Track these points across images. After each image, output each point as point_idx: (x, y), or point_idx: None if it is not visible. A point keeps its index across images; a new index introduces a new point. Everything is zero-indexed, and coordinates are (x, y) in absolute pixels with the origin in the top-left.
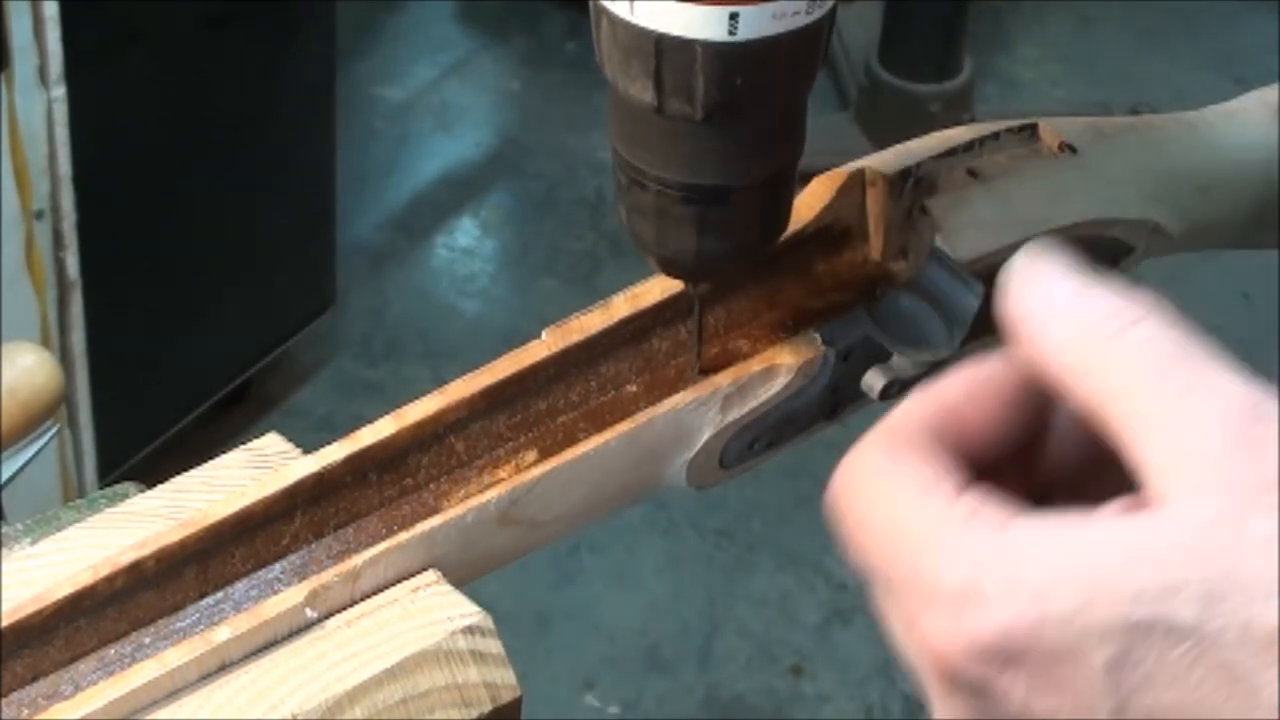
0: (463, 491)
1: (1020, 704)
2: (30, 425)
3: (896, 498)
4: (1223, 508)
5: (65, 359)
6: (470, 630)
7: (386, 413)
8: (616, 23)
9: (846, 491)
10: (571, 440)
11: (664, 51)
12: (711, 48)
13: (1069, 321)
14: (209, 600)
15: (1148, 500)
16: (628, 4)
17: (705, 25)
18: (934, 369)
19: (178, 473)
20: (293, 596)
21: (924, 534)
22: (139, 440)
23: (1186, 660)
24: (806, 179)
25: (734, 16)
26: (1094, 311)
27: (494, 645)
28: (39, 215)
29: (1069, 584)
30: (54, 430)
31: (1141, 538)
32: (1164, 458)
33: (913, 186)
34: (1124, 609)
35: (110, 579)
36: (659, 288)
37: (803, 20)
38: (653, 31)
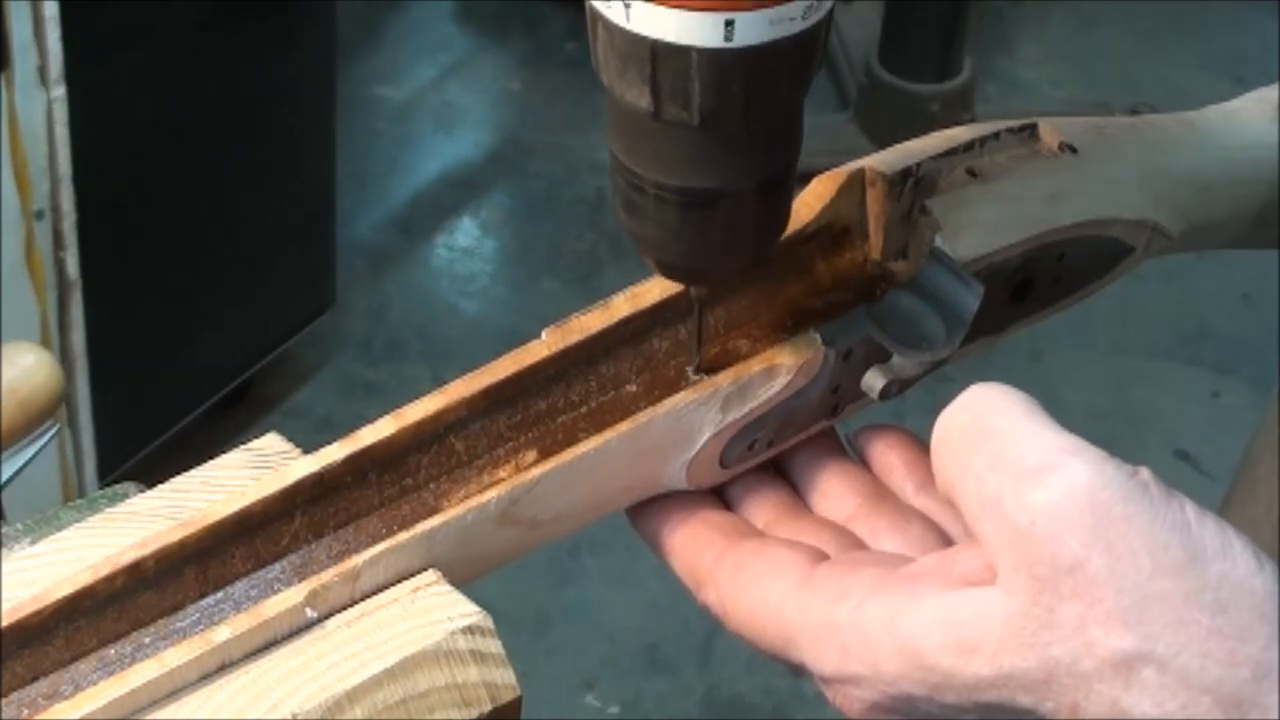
0: (463, 491)
1: None
2: (30, 425)
3: (759, 590)
4: (1030, 593)
5: (65, 359)
6: (470, 630)
7: (386, 413)
8: (612, 29)
9: (728, 583)
10: (571, 440)
11: (660, 58)
12: (707, 54)
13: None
14: (209, 600)
15: (979, 573)
16: (623, 10)
17: (701, 31)
18: (934, 369)
19: (178, 473)
20: (293, 596)
21: (791, 626)
22: (139, 440)
23: None
24: (806, 179)
25: (729, 23)
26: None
27: (494, 645)
28: (39, 215)
29: (917, 674)
30: (54, 430)
31: (965, 626)
32: (985, 539)
33: (913, 186)
34: (969, 696)
35: (110, 579)
36: (659, 288)
37: (799, 26)
38: (648, 38)
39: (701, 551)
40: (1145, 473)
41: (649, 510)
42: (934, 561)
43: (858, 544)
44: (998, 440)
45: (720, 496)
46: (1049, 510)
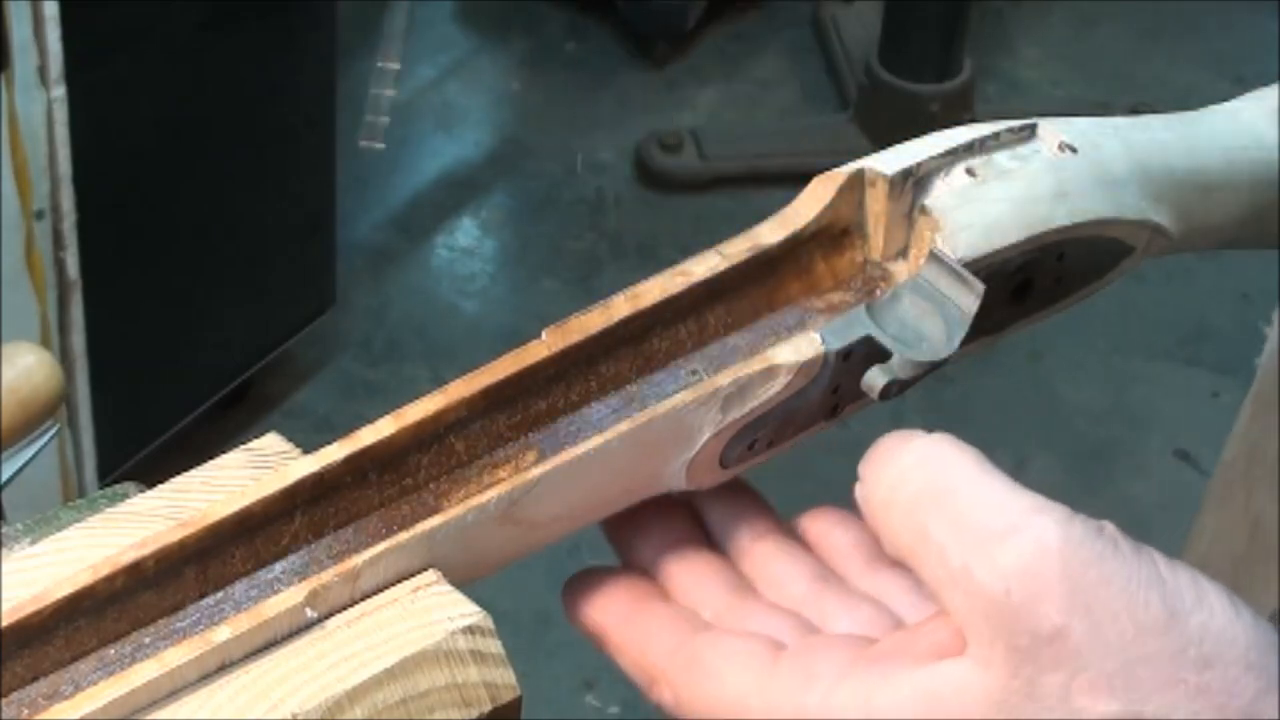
0: (463, 491)
1: None
2: (30, 425)
3: (717, 684)
4: (1010, 665)
5: (65, 359)
6: (470, 630)
7: (386, 413)
8: None
9: (683, 680)
10: (572, 440)
11: None
12: None
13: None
14: (209, 600)
15: (948, 643)
16: None
17: None
18: (934, 369)
19: (178, 473)
20: (293, 596)
21: (763, 717)
22: (139, 440)
23: None
24: (806, 179)
25: None
26: (880, 449)
27: (494, 645)
28: (39, 215)
29: None
30: (54, 430)
31: (944, 703)
32: (954, 608)
33: (913, 186)
34: None
35: (110, 579)
36: (659, 288)
37: None
38: None
39: (650, 647)
40: (1110, 527)
41: (590, 602)
42: (899, 640)
43: (811, 629)
44: (957, 503)
45: (661, 583)
46: (1023, 577)
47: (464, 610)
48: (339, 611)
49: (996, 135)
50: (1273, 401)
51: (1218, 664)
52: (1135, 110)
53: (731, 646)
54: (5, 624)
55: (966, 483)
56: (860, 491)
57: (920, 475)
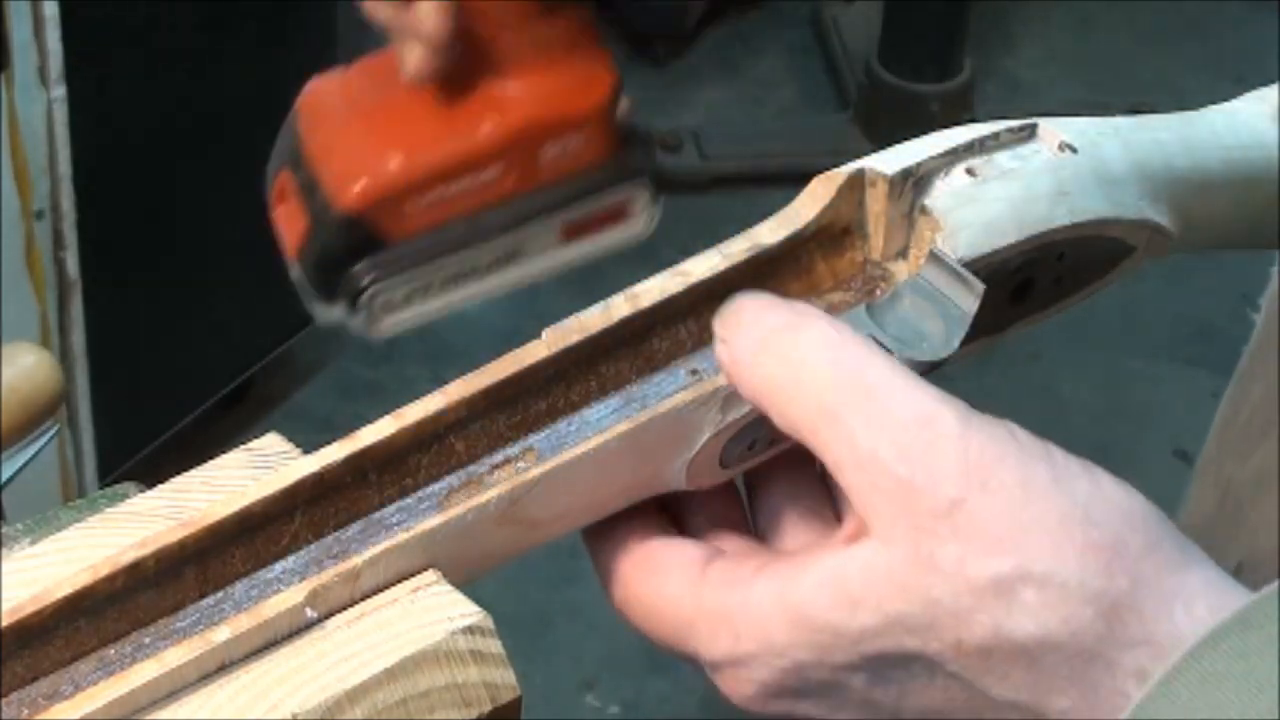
0: (463, 491)
1: (826, 716)
2: (31, 425)
3: (658, 582)
4: (911, 542)
5: (65, 359)
6: (470, 630)
7: (386, 413)
8: None
9: (632, 577)
10: (571, 441)
11: None
12: None
13: (750, 337)
14: (209, 600)
15: (855, 529)
16: None
17: None
18: (934, 369)
19: (178, 473)
20: (293, 596)
21: (687, 617)
22: (139, 440)
23: (925, 675)
24: (806, 179)
25: None
26: (768, 324)
27: (494, 645)
28: (39, 215)
29: (806, 637)
30: (54, 430)
31: (851, 582)
32: (856, 490)
33: (913, 186)
34: (857, 648)
35: (110, 579)
36: (658, 288)
37: None
38: None
39: (621, 545)
40: (1010, 424)
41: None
42: (813, 541)
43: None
44: (872, 393)
45: (684, 528)
46: (925, 460)
47: (464, 610)
48: (339, 611)
49: (996, 135)
50: (1249, 375)
51: (1104, 523)
52: (1135, 110)
53: (681, 551)
54: (5, 624)
55: (881, 374)
56: (729, 354)
57: (830, 358)
